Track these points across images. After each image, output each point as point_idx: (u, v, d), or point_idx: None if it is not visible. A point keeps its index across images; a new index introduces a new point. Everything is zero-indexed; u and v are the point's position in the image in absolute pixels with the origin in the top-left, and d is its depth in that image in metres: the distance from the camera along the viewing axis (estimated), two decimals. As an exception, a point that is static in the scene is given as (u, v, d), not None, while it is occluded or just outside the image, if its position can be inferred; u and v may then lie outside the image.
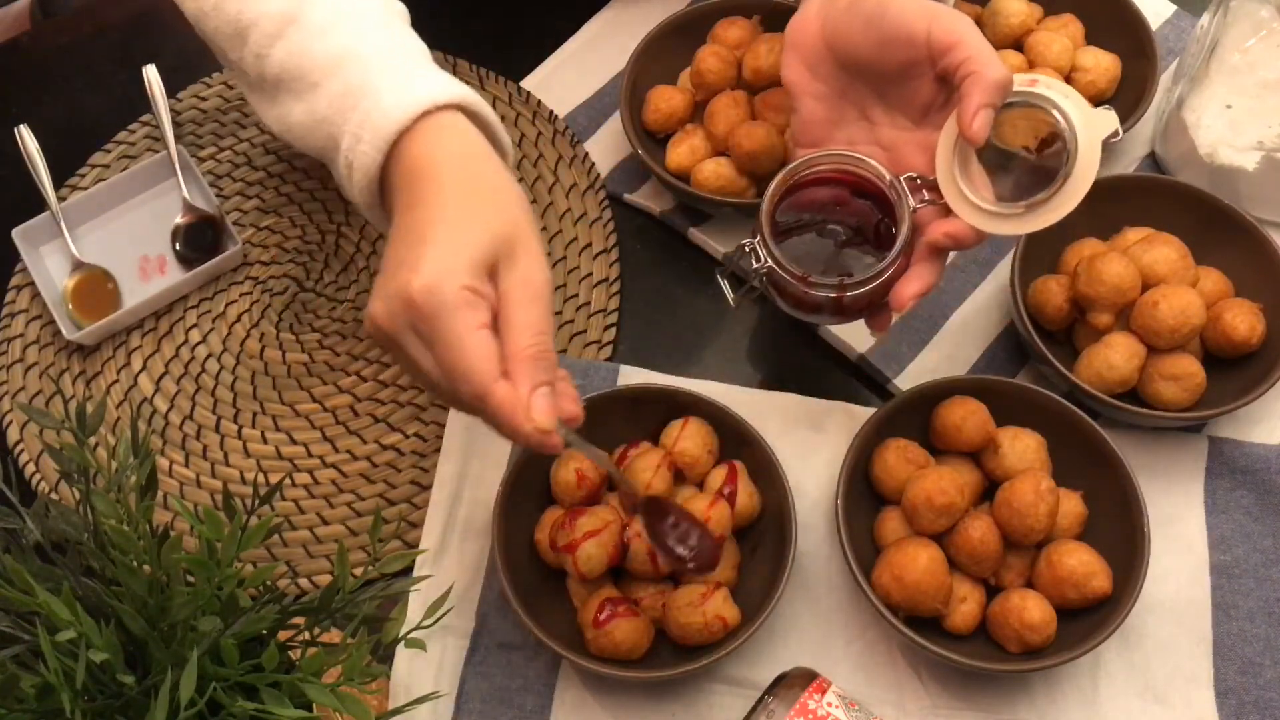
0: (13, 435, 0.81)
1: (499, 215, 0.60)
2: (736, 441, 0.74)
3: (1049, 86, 0.65)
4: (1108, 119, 0.64)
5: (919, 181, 0.67)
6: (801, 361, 0.83)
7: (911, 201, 0.67)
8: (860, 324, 0.82)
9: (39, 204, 0.87)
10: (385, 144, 0.62)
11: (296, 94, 0.67)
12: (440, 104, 0.63)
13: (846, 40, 0.68)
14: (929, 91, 0.67)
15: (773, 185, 0.69)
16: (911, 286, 0.67)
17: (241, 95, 0.94)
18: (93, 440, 0.72)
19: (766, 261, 0.68)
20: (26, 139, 0.88)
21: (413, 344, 0.58)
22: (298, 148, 0.71)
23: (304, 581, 0.77)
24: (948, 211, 0.66)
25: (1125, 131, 0.84)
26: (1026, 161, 0.67)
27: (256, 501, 0.57)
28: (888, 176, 0.68)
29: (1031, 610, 0.68)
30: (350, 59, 0.66)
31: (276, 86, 0.68)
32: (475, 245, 0.58)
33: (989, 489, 0.74)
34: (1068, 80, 0.85)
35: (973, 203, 0.65)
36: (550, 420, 0.58)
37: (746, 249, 0.69)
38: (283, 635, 0.56)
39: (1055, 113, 0.64)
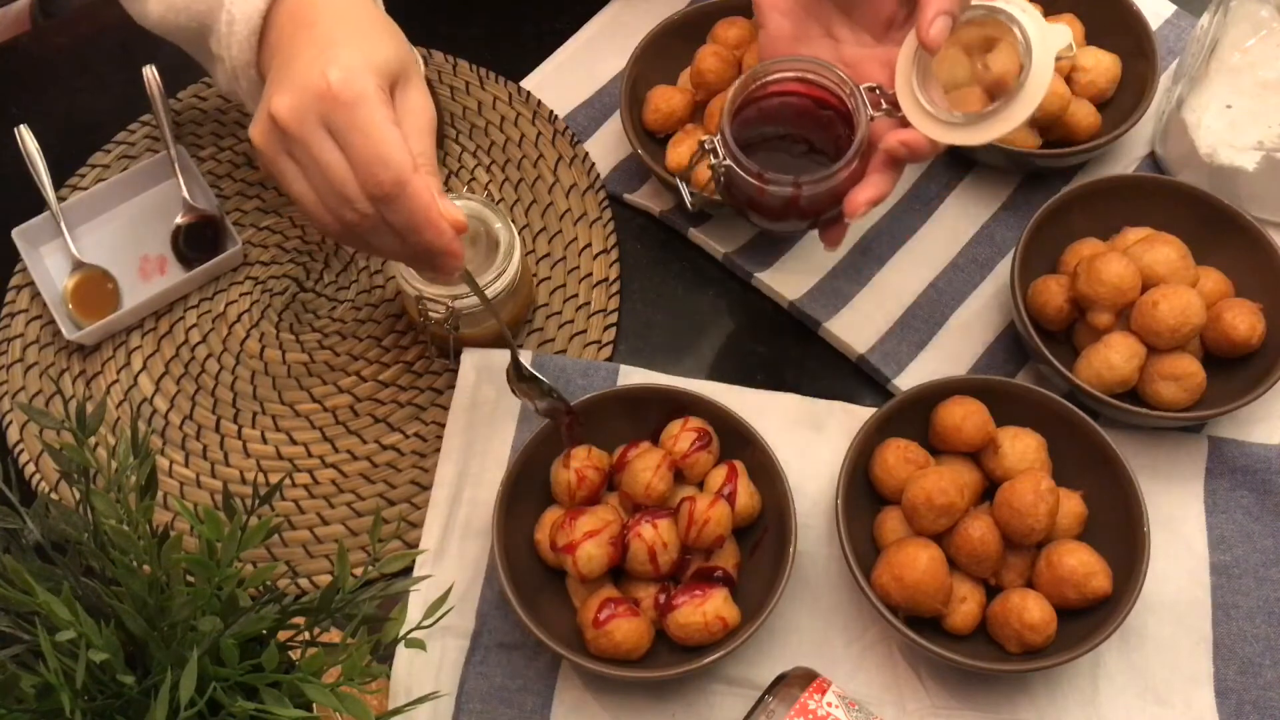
0: (13, 435, 0.81)
1: (393, 41, 0.62)
2: (736, 441, 0.74)
3: (1007, 1, 0.67)
4: (1062, 33, 0.66)
5: (878, 93, 0.70)
6: (801, 361, 0.83)
7: (869, 109, 0.69)
8: (860, 324, 0.82)
9: (39, 204, 0.87)
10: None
11: None
12: None
13: None
14: (891, 6, 0.70)
15: (735, 86, 0.72)
16: (865, 193, 0.69)
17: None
18: (93, 440, 0.72)
19: (725, 159, 0.70)
20: (26, 139, 0.88)
21: (319, 140, 0.58)
22: (173, 30, 0.71)
23: (304, 581, 0.77)
24: (906, 124, 0.69)
25: (1125, 132, 0.84)
26: (983, 77, 0.69)
27: (256, 501, 0.57)
28: (847, 83, 0.70)
29: (1031, 610, 0.68)
30: None
31: None
32: (382, 56, 0.60)
33: (989, 489, 0.74)
34: (1067, 81, 0.85)
35: (928, 112, 0.68)
36: (460, 217, 0.60)
37: (706, 146, 0.71)
38: (283, 635, 0.56)
39: (1013, 26, 0.66)
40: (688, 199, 0.77)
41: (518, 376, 0.76)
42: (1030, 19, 0.66)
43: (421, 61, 0.63)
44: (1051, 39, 0.66)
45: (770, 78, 0.72)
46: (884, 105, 0.69)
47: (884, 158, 0.69)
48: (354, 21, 0.63)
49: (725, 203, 0.76)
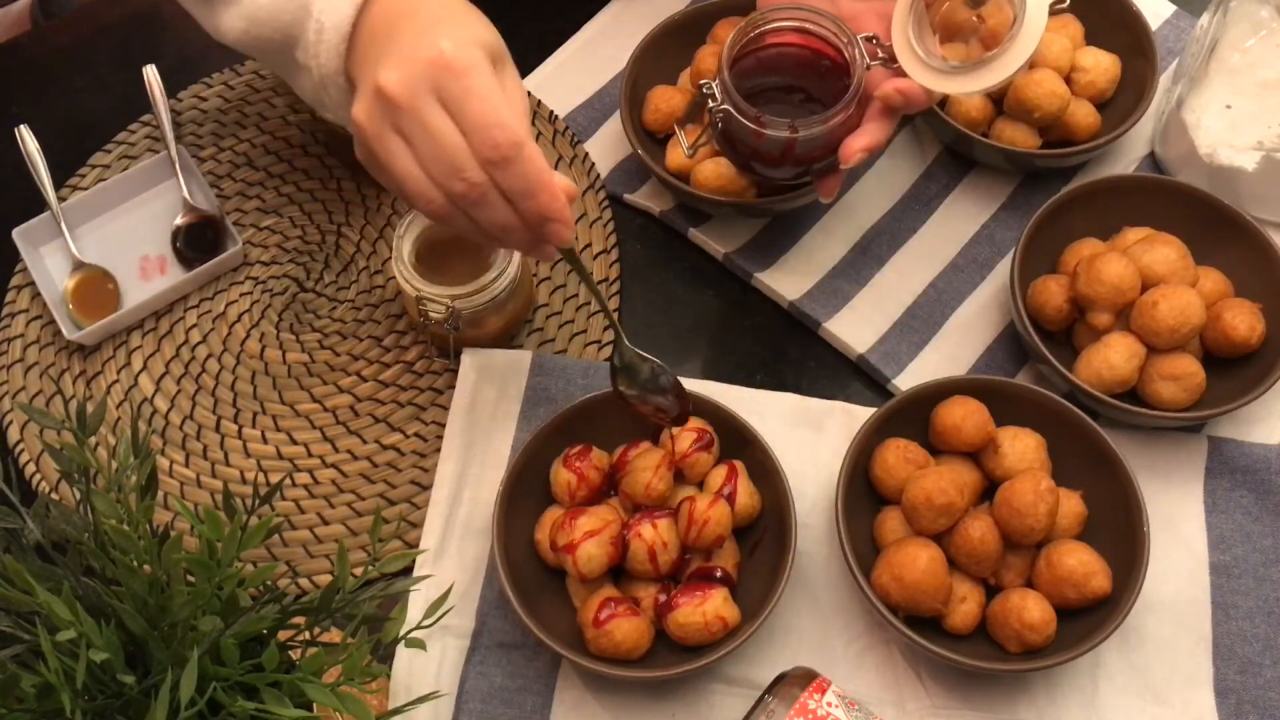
0: (13, 435, 0.81)
1: (489, 27, 0.62)
2: (736, 441, 0.74)
3: None
4: None
5: (875, 43, 0.71)
6: (801, 361, 0.83)
7: (865, 58, 0.71)
8: (860, 324, 0.82)
9: (39, 204, 0.87)
10: None
11: None
12: None
13: None
14: None
15: (734, 33, 0.73)
16: (860, 140, 0.70)
17: (242, 95, 0.94)
18: (93, 440, 0.72)
19: (723, 103, 0.71)
20: (26, 139, 0.88)
21: (431, 109, 0.58)
22: (255, 43, 0.71)
23: (304, 581, 0.77)
24: (902, 75, 0.70)
25: (1125, 132, 0.84)
26: (978, 28, 0.71)
27: (256, 501, 0.57)
28: (844, 32, 0.71)
29: (1031, 610, 0.68)
30: None
31: None
32: (484, 36, 0.60)
33: (989, 489, 0.74)
34: (1067, 81, 0.85)
35: (923, 61, 0.69)
36: (571, 185, 0.60)
37: (704, 90, 0.72)
38: (283, 635, 0.56)
39: None
40: (684, 148, 0.78)
41: (622, 367, 0.72)
42: None
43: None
44: None
45: (768, 26, 0.74)
46: (880, 55, 0.71)
47: (880, 106, 0.71)
48: (453, 8, 0.63)
49: (722, 152, 0.77)
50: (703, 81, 0.73)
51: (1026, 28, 0.67)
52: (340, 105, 0.69)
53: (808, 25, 0.74)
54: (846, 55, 0.72)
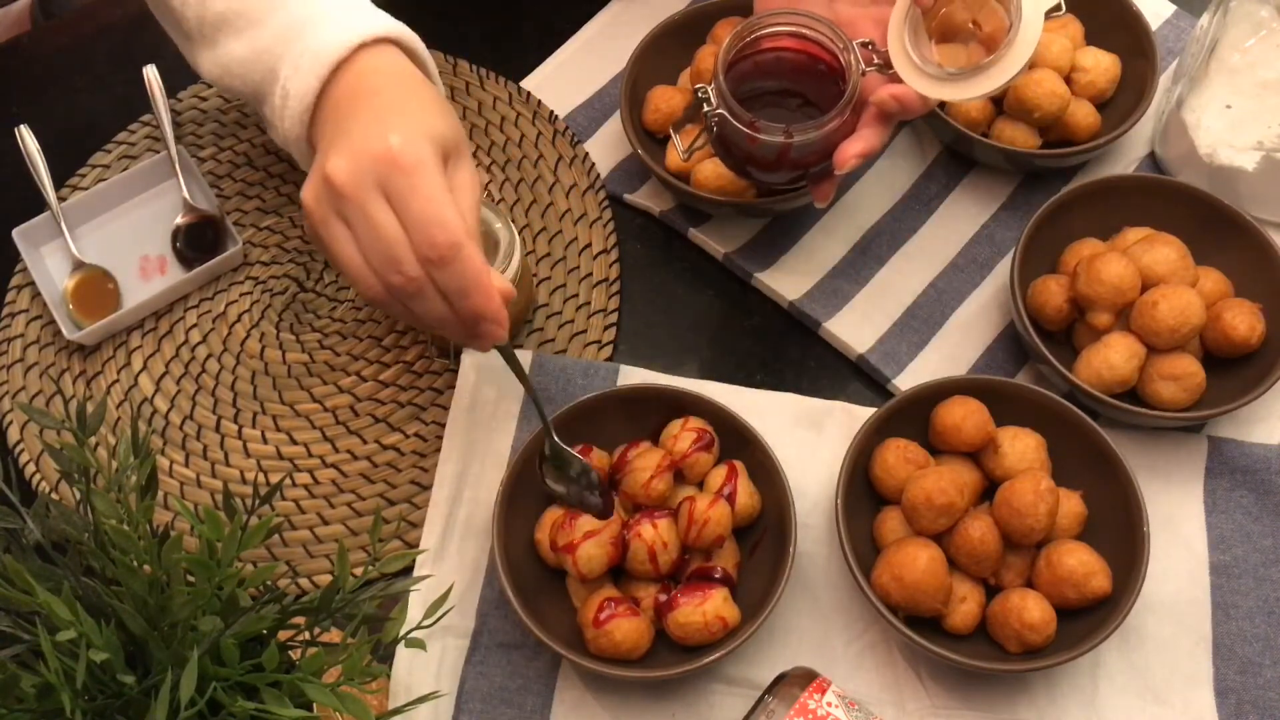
0: (13, 435, 0.81)
1: (446, 117, 0.63)
2: (736, 441, 0.74)
3: None
4: None
5: (871, 49, 0.72)
6: (801, 361, 0.83)
7: (861, 63, 0.71)
8: (860, 324, 0.82)
9: (39, 204, 0.87)
10: (326, 70, 0.64)
11: (238, 31, 0.68)
12: (377, 36, 0.65)
13: None
14: None
15: (730, 37, 0.73)
16: (855, 146, 0.71)
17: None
18: (93, 440, 0.72)
19: (719, 107, 0.72)
20: (26, 139, 0.88)
21: (375, 202, 0.58)
22: (227, 89, 0.72)
23: (304, 581, 0.77)
24: (897, 81, 0.70)
25: (1125, 132, 0.84)
26: (974, 35, 0.71)
27: (257, 501, 0.57)
28: (840, 38, 0.71)
29: (1031, 610, 0.68)
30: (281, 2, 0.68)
31: (217, 28, 0.70)
32: (438, 129, 0.61)
33: (989, 489, 0.74)
34: (1067, 81, 0.85)
35: (919, 67, 0.69)
36: (508, 287, 0.61)
37: (700, 94, 0.72)
38: (283, 635, 0.56)
39: None
40: (680, 151, 0.78)
41: (550, 457, 0.72)
42: None
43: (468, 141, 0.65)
44: None
45: (764, 31, 0.74)
46: (876, 61, 0.71)
47: (875, 112, 0.71)
48: (413, 94, 0.64)
49: (717, 155, 0.77)
50: (698, 86, 0.73)
51: (1022, 34, 0.67)
52: (305, 163, 0.70)
53: (803, 30, 0.74)
54: (842, 61, 0.72)
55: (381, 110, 0.62)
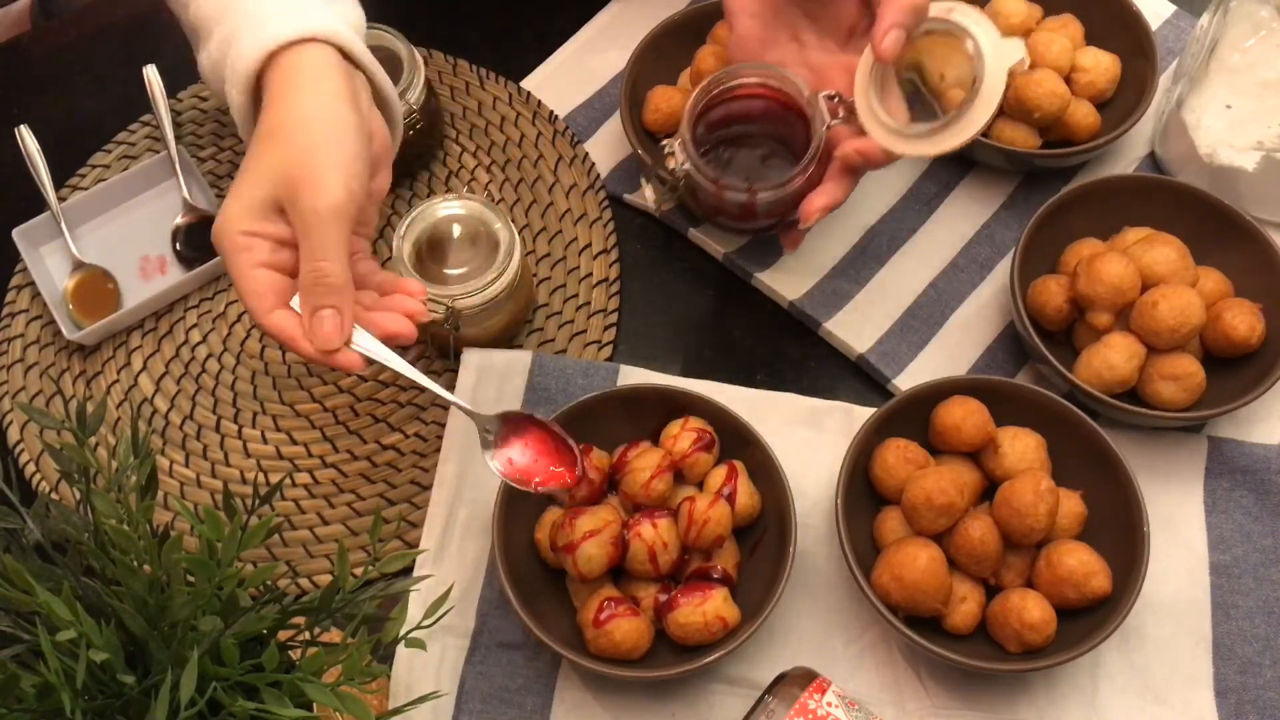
0: (13, 435, 0.81)
1: (284, 155, 0.62)
2: (736, 441, 0.74)
3: (964, 14, 0.68)
4: (1015, 48, 0.68)
5: (837, 101, 0.72)
6: (801, 361, 0.83)
7: (827, 117, 0.71)
8: (859, 324, 0.82)
9: (39, 204, 0.87)
10: (247, 86, 0.65)
11: (203, 42, 0.69)
12: (287, 41, 0.64)
13: None
14: (854, 14, 0.73)
15: (696, 91, 0.74)
16: (819, 199, 0.72)
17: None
18: (93, 440, 0.72)
19: (684, 163, 0.73)
20: (26, 139, 0.88)
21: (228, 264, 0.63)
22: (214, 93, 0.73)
23: (304, 581, 0.77)
24: (863, 132, 0.70)
25: (1125, 132, 0.84)
26: (939, 88, 0.71)
27: (256, 501, 0.57)
28: (805, 92, 0.72)
29: (1031, 610, 0.68)
30: (230, 7, 0.67)
31: (194, 35, 0.70)
32: (255, 189, 0.62)
33: (989, 489, 0.74)
34: (1068, 81, 0.85)
35: (884, 122, 0.69)
36: (329, 341, 0.62)
37: (666, 150, 0.73)
38: (283, 635, 0.56)
39: (966, 39, 0.68)
40: (651, 201, 0.79)
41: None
42: (984, 32, 0.67)
43: (353, 140, 0.63)
44: (1005, 52, 0.67)
45: (732, 83, 0.75)
46: (842, 113, 0.71)
47: (839, 165, 0.72)
48: (265, 133, 0.63)
49: (685, 203, 0.78)
50: (664, 141, 0.74)
51: (985, 89, 0.67)
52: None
53: (770, 81, 0.75)
54: (808, 114, 0.73)
55: (251, 155, 0.63)
